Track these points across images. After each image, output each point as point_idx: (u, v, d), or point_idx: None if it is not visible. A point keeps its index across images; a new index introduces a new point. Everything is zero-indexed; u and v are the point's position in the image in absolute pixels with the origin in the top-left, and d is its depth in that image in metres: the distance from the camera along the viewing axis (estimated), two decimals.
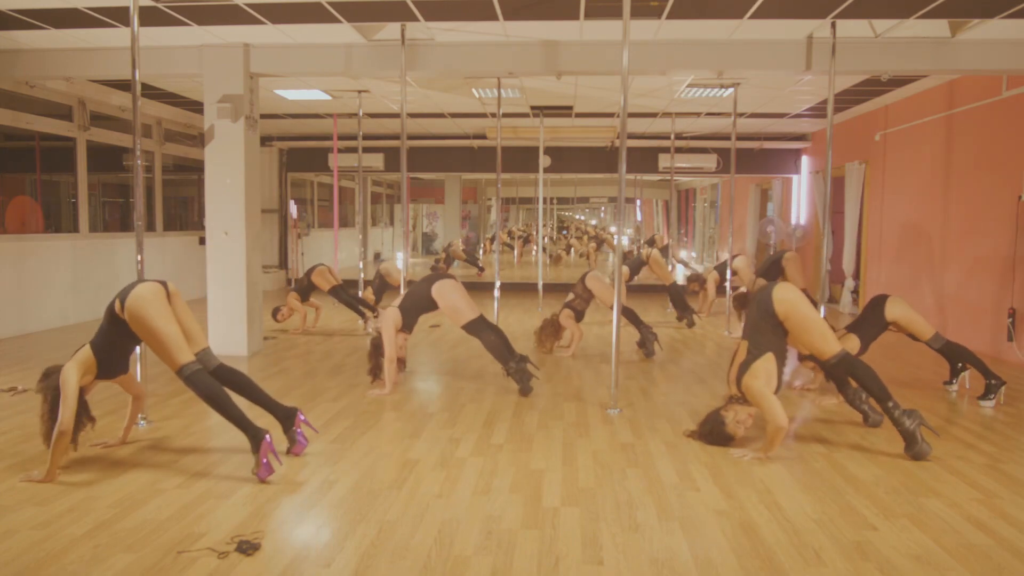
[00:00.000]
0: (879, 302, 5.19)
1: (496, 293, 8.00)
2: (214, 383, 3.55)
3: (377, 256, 19.64)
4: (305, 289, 8.08)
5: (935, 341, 5.14)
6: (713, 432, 4.05)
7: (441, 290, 5.23)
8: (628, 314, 6.88)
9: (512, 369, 5.11)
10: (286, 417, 3.83)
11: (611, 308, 5.97)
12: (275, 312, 8.03)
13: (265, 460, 3.45)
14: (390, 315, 5.26)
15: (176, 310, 3.65)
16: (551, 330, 6.89)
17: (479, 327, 5.18)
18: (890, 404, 3.86)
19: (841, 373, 4.23)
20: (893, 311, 5.12)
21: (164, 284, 3.68)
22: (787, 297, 3.93)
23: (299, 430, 3.84)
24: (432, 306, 5.26)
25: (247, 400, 3.77)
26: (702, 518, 3.10)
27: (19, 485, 3.37)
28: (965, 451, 4.05)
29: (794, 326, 3.92)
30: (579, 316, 6.90)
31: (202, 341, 3.74)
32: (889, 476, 3.63)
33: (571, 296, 6.93)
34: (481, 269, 15.45)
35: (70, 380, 3.48)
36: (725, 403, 4.12)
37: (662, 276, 9.19)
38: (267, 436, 3.49)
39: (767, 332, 3.94)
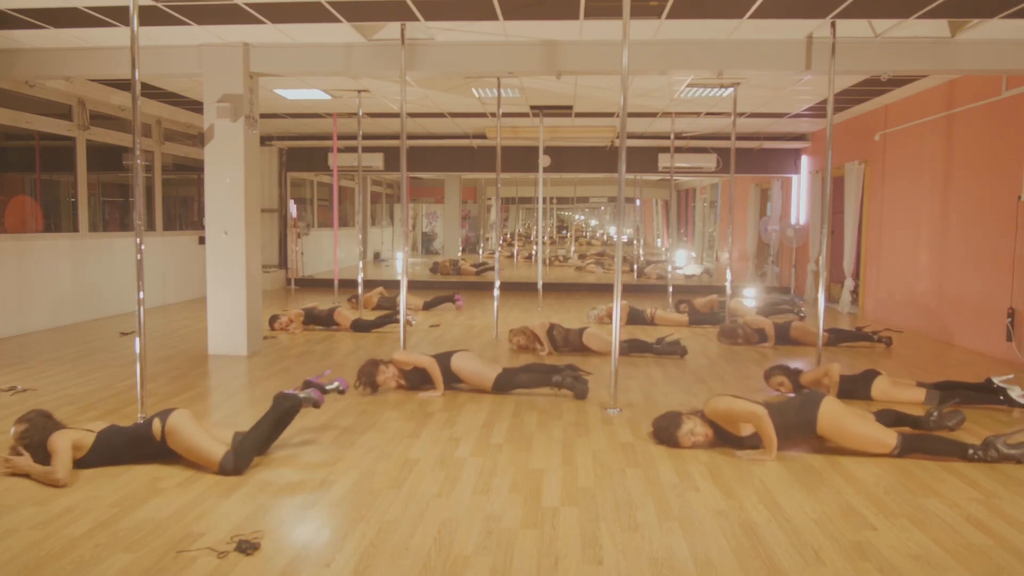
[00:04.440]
0: (869, 376, 5.19)
1: (496, 293, 8.00)
2: (245, 449, 3.63)
3: (377, 256, 19.64)
4: (320, 320, 8.07)
5: (930, 400, 4.93)
6: (666, 430, 4.03)
7: (459, 361, 5.28)
8: (635, 347, 6.83)
9: (558, 381, 5.12)
10: (308, 390, 4.01)
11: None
12: (273, 320, 7.99)
13: (311, 392, 3.93)
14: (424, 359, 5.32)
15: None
16: (525, 340, 6.91)
17: (508, 378, 5.21)
18: (970, 452, 3.82)
19: (910, 455, 4.00)
20: (876, 392, 5.10)
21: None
22: (834, 417, 3.90)
23: (318, 392, 4.03)
24: (455, 378, 5.29)
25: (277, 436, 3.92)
26: (702, 518, 3.10)
27: (19, 485, 3.37)
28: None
29: (841, 442, 3.94)
30: (555, 342, 6.89)
31: (227, 433, 3.80)
32: (889, 476, 3.63)
33: (561, 330, 6.92)
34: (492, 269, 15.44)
35: (62, 446, 3.46)
36: (691, 412, 4.13)
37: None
38: (295, 392, 3.90)
39: (796, 429, 3.95)
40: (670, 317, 8.81)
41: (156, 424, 3.64)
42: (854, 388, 5.11)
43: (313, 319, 8.10)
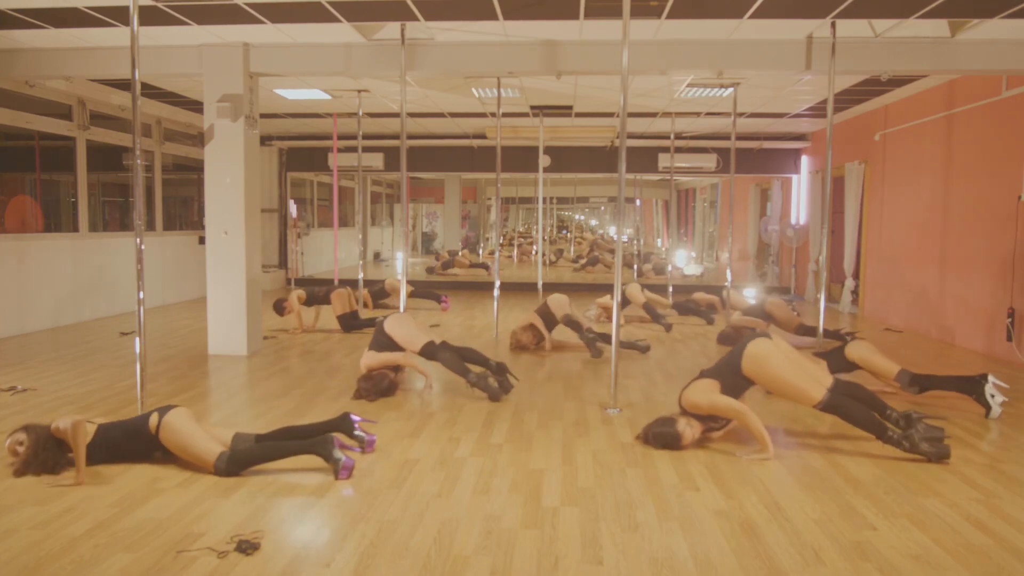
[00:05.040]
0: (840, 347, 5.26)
1: (496, 292, 8.00)
2: (249, 449, 3.59)
3: (377, 256, 19.64)
4: (317, 300, 8.07)
5: (902, 378, 4.93)
6: (665, 436, 4.00)
7: (391, 324, 5.30)
8: (606, 338, 6.84)
9: (472, 380, 5.04)
10: (342, 425, 3.85)
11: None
12: (278, 304, 8.02)
13: (345, 459, 3.51)
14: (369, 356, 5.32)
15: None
16: (527, 338, 6.94)
17: (432, 350, 5.18)
18: (889, 434, 3.82)
19: (833, 413, 4.01)
20: (853, 352, 5.14)
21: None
22: (757, 355, 3.98)
23: (359, 431, 3.88)
24: (392, 343, 5.28)
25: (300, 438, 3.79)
26: (702, 518, 3.10)
27: (19, 484, 3.37)
28: (965, 451, 4.04)
29: (766, 384, 4.03)
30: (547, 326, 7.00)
31: (228, 434, 3.76)
32: (889, 476, 3.63)
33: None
34: (487, 268, 15.45)
35: (71, 425, 3.48)
36: (678, 413, 4.16)
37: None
38: (335, 439, 3.56)
39: (729, 375, 4.05)
40: (656, 298, 8.91)
41: (153, 418, 3.63)
42: (829, 356, 5.19)
43: (313, 298, 8.06)
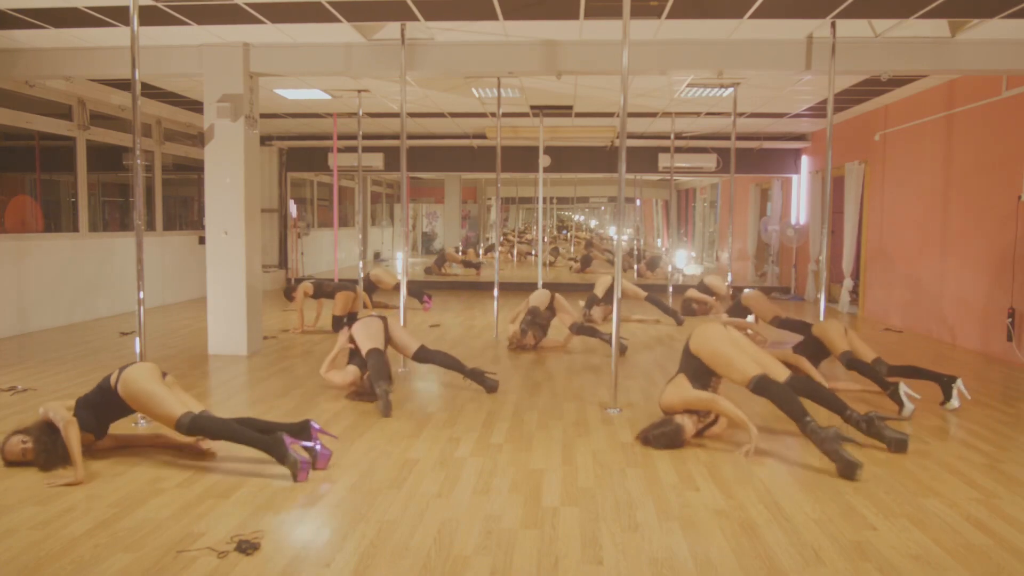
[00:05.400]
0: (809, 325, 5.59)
1: (496, 292, 8.00)
2: (214, 421, 3.57)
3: (377, 256, 19.65)
4: (323, 293, 8.08)
5: (844, 357, 5.22)
6: (667, 436, 4.00)
7: (355, 328, 5.25)
8: (585, 331, 6.95)
9: (382, 390, 4.78)
10: (301, 432, 3.70)
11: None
12: (288, 291, 8.09)
13: (302, 460, 3.45)
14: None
15: (170, 387, 3.77)
16: (530, 336, 6.98)
17: (370, 355, 5.05)
18: (806, 419, 3.77)
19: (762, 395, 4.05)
20: (817, 329, 5.50)
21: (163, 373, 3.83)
22: (702, 332, 4.18)
23: (318, 442, 3.68)
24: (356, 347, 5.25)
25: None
26: (702, 518, 3.10)
27: (19, 484, 3.37)
28: (964, 451, 4.05)
29: (708, 361, 4.10)
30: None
31: (198, 406, 3.74)
32: (889, 476, 3.63)
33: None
34: (477, 268, 15.42)
35: (58, 410, 3.54)
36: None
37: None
38: (284, 439, 3.51)
39: (686, 360, 4.23)
40: (630, 288, 8.96)
41: (115, 375, 3.66)
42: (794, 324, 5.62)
43: (320, 291, 8.07)
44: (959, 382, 4.93)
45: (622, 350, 6.79)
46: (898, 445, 3.93)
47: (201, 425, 3.56)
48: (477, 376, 5.27)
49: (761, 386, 3.90)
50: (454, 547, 2.80)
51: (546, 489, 3.41)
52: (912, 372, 5.15)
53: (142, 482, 3.44)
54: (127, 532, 2.90)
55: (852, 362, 5.18)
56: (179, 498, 3.24)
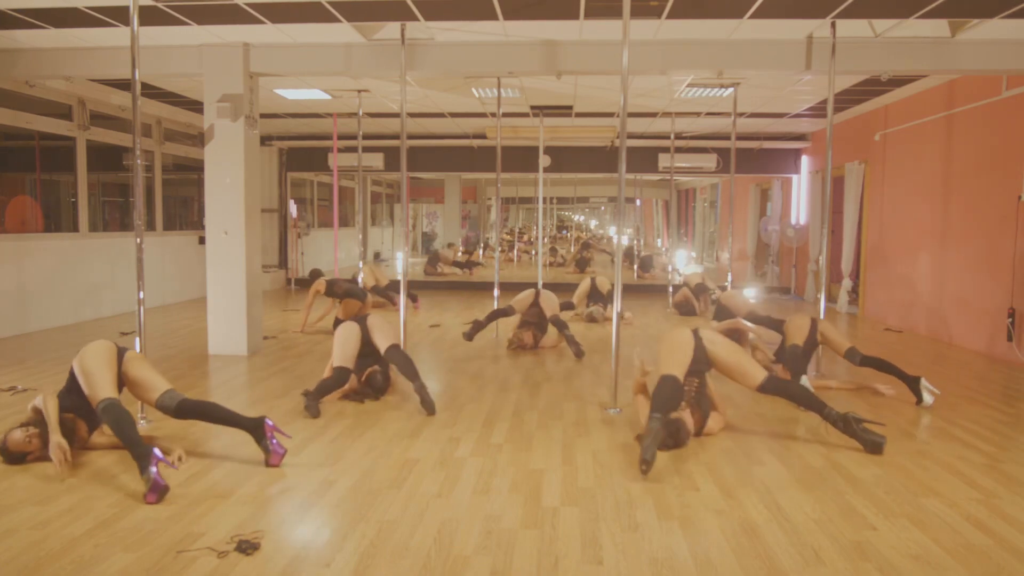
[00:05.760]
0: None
1: (496, 292, 7.99)
2: (121, 414, 3.51)
3: (377, 256, 19.65)
4: (333, 293, 7.98)
5: (853, 356, 5.30)
6: (674, 435, 3.96)
7: (335, 336, 5.23)
8: (561, 324, 6.91)
9: (308, 402, 4.70)
10: (254, 428, 3.71)
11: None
12: (310, 278, 8.26)
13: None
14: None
15: (133, 366, 3.86)
16: (530, 336, 7.01)
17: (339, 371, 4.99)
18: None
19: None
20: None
21: (122, 349, 3.90)
22: (716, 341, 4.36)
23: (272, 439, 3.70)
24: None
25: (213, 424, 3.88)
26: (702, 518, 3.10)
27: (19, 484, 3.38)
28: (964, 451, 4.05)
29: (722, 364, 4.31)
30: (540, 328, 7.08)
31: (164, 386, 3.84)
32: (889, 476, 3.63)
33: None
34: (470, 269, 15.37)
35: (47, 402, 3.67)
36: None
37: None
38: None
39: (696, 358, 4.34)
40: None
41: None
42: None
43: (331, 291, 7.93)
44: (923, 380, 5.04)
45: (578, 354, 6.61)
46: (873, 447, 3.95)
47: (187, 411, 3.76)
48: (421, 392, 4.82)
49: (773, 386, 4.17)
50: (454, 547, 2.80)
51: (546, 489, 3.41)
52: (881, 365, 5.28)
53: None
54: (127, 532, 2.90)
55: (865, 359, 5.28)
56: (179, 498, 3.24)
